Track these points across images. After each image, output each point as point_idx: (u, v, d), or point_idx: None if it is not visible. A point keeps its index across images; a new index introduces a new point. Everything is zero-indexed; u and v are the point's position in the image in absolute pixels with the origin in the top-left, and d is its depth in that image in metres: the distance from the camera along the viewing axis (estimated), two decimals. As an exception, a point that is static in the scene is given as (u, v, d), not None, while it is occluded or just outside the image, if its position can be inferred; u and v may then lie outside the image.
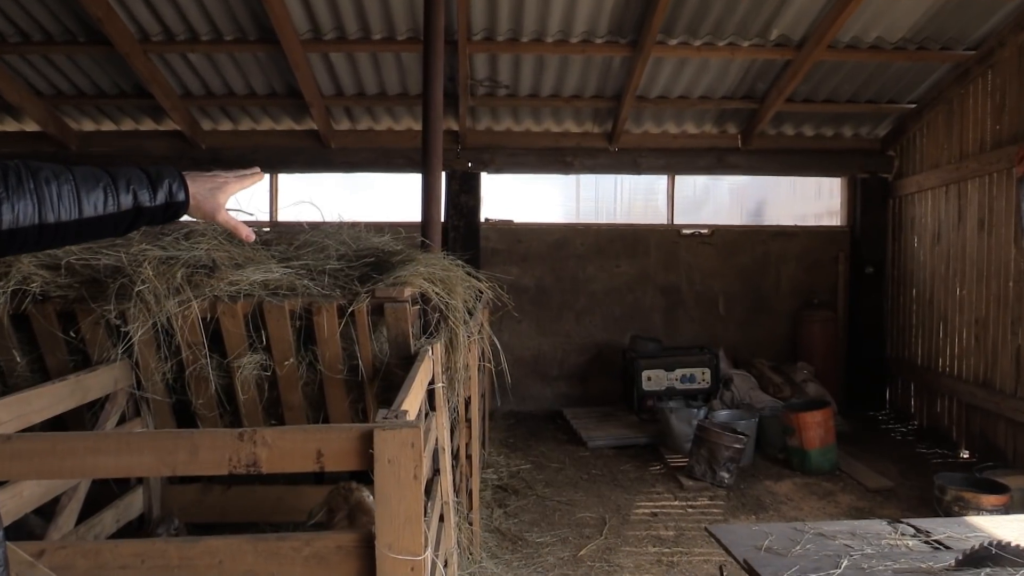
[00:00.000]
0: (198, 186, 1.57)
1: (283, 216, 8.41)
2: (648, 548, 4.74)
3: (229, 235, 3.46)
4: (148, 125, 8.11)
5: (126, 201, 1.46)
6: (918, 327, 7.94)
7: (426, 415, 3.01)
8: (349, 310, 3.18)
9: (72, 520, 3.07)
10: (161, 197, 1.50)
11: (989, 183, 6.69)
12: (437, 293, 3.37)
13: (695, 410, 6.84)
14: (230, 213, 1.64)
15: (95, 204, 1.41)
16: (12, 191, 1.31)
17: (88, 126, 8.15)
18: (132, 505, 3.67)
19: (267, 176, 8.53)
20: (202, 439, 1.82)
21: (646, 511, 5.43)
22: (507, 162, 8.38)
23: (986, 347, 6.67)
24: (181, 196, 1.53)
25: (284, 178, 8.59)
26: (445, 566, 2.81)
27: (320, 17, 6.45)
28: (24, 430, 2.71)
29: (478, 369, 4.86)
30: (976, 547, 2.69)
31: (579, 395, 8.63)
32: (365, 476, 1.89)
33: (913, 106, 7.82)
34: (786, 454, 6.46)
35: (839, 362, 8.58)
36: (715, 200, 9.12)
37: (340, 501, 2.72)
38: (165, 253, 3.19)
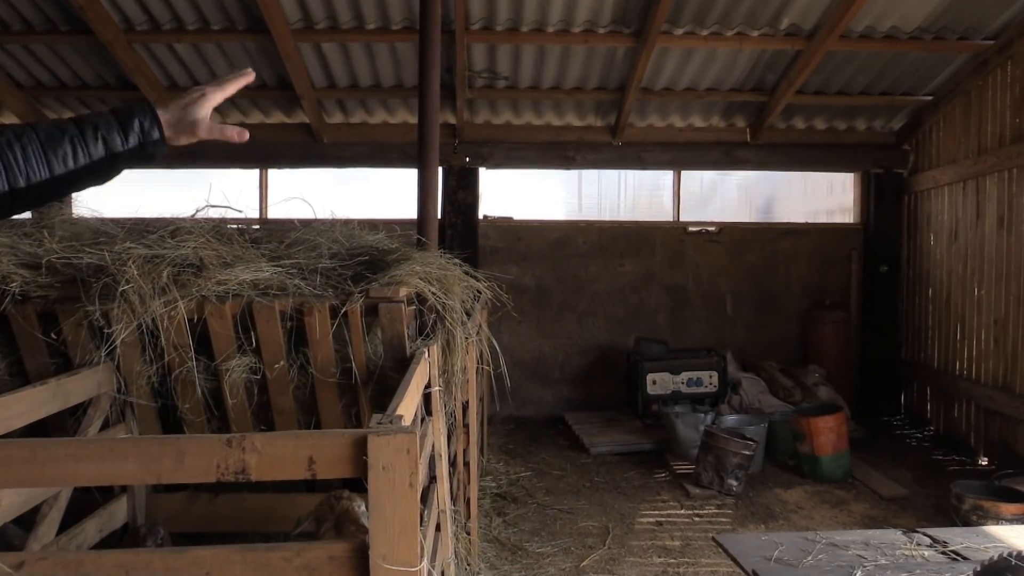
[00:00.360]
0: (171, 112, 1.53)
1: (273, 213, 8.41)
2: (653, 558, 4.74)
3: (217, 233, 3.45)
4: (132, 118, 8.09)
5: (96, 150, 1.45)
6: (934, 328, 7.94)
7: (422, 420, 3.00)
8: (342, 311, 3.18)
9: (53, 530, 3.06)
10: (133, 140, 1.48)
11: (1009, 179, 6.69)
12: (434, 293, 3.37)
13: (702, 415, 6.84)
14: (217, 127, 1.58)
15: (64, 159, 1.41)
16: None
17: (70, 119, 8.14)
18: (115, 514, 3.67)
19: (256, 171, 8.53)
20: (188, 445, 1.82)
21: (651, 520, 5.43)
22: (506, 157, 8.38)
23: (1005, 349, 6.67)
24: (155, 134, 1.50)
25: (274, 174, 8.59)
26: (442, 577, 2.81)
27: (312, 6, 6.45)
28: (3, 436, 2.71)
29: (476, 372, 4.86)
30: (995, 558, 2.69)
31: (581, 399, 8.62)
32: (358, 484, 1.89)
33: (929, 98, 7.82)
34: (797, 461, 6.47)
35: (852, 365, 8.58)
36: (723, 196, 9.12)
37: (327, 510, 2.72)
38: (150, 251, 3.19)
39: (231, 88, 1.62)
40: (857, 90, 7.74)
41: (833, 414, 6.32)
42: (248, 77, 1.65)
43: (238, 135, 1.63)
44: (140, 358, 3.36)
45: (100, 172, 1.47)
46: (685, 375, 7.64)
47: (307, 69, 7.24)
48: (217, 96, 1.59)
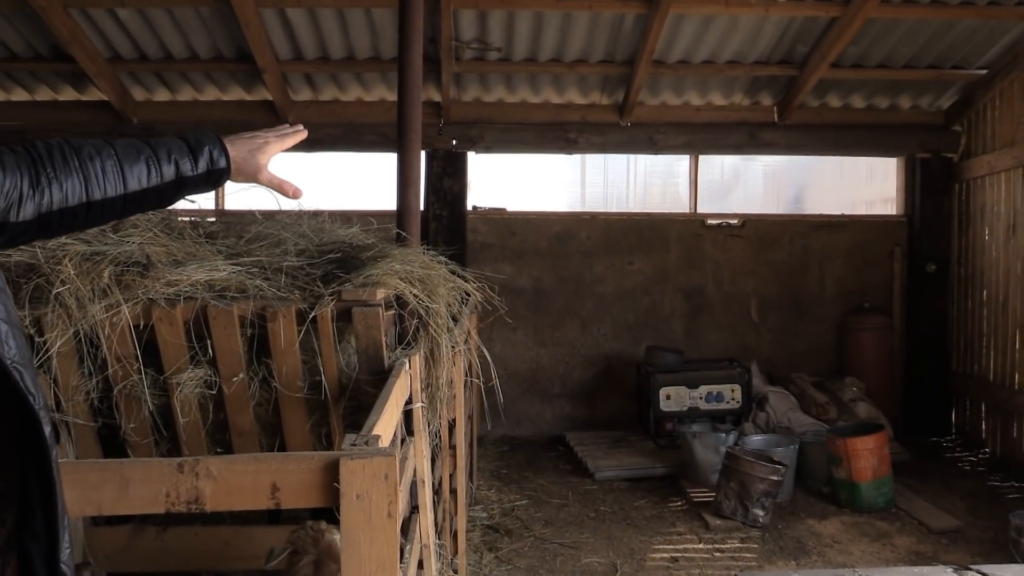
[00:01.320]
0: (238, 149, 1.78)
1: (231, 204, 8.40)
2: (668, 600, 4.75)
3: (167, 226, 3.45)
4: (68, 95, 8.09)
5: (168, 172, 1.67)
6: (990, 336, 7.96)
7: (402, 441, 3.00)
8: (310, 316, 3.17)
9: (-23, 569, 3.05)
10: (203, 165, 1.72)
11: (1073, 164, 6.72)
12: (415, 295, 3.37)
13: (723, 435, 6.85)
14: (277, 178, 1.84)
15: (139, 177, 1.63)
16: (59, 170, 1.52)
17: (-4, 96, 8.13)
18: (49, 550, 3.65)
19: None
20: (133, 471, 1.82)
21: (665, 556, 5.43)
22: (499, 139, 8.38)
23: (1069, 359, 6.70)
24: (223, 163, 1.75)
25: (232, 158, 8.57)
26: (425, 622, 2.81)
27: (275, -35, 6.45)
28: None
29: (464, 386, 4.86)
30: (1058, 597, 2.70)
31: (585, 417, 8.63)
32: (329, 514, 1.88)
33: (983, 72, 7.85)
34: (832, 487, 6.48)
35: (895, 378, 8.60)
36: (746, 185, 9.14)
37: (307, 543, 2.71)
38: (89, 248, 3.18)
39: (290, 141, 1.88)
40: (901, 63, 7.76)
41: (873, 434, 6.33)
42: (302, 134, 1.93)
43: (294, 192, 1.88)
44: (77, 371, 3.35)
45: (167, 194, 1.69)
46: (704, 389, 7.65)
47: (270, 38, 7.23)
48: (277, 146, 1.84)
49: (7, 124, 8.06)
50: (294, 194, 1.89)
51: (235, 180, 1.81)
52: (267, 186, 1.84)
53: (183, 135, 1.74)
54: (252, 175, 1.80)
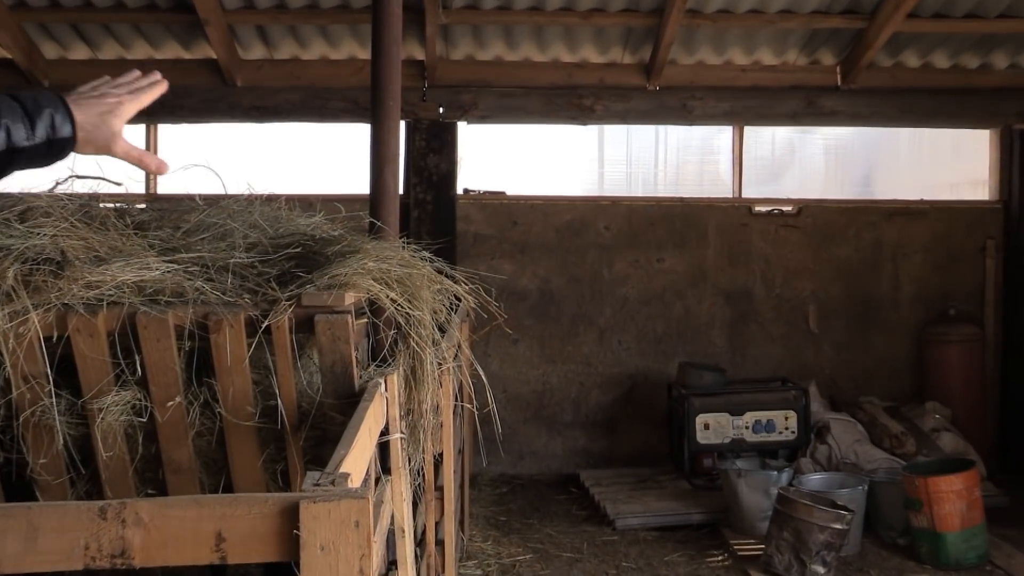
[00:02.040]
0: (85, 113, 1.73)
1: (166, 187, 8.41)
2: (706, 678, 4.75)
3: (87, 215, 3.45)
4: (-36, 51, 8.10)
5: None
6: (1103, 350, 7.95)
7: (377, 481, 3.01)
8: (263, 325, 3.18)
9: None
10: (41, 132, 1.66)
11: None
12: (393, 300, 3.37)
13: (774, 473, 6.85)
14: (136, 150, 1.81)
15: None
16: None
17: None
18: (-60, 616, 3.65)
19: (142, 128, 8.51)
20: (44, 517, 1.82)
21: (703, 623, 5.44)
22: (496, 107, 8.38)
23: None
24: (66, 130, 1.70)
25: (168, 130, 8.58)
26: None
27: None
28: None
29: (454, 413, 4.86)
30: None
31: (603, 451, 8.63)
32: (287, 571, 1.89)
33: (1097, 23, 7.85)
34: (910, 538, 6.48)
35: (987, 403, 8.60)
36: (803, 163, 9.14)
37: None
38: (-10, 241, 3.18)
39: (147, 98, 1.86)
40: (995, 12, 7.73)
41: (961, 473, 6.32)
42: (162, 86, 1.90)
43: (157, 166, 1.87)
44: (-25, 393, 3.35)
45: None
46: (750, 417, 7.65)
47: (214, -18, 7.24)
48: (133, 106, 1.81)
49: None
50: (158, 168, 1.89)
51: (82, 151, 1.78)
52: (123, 159, 1.82)
53: (16, 95, 1.69)
54: (104, 145, 1.78)
